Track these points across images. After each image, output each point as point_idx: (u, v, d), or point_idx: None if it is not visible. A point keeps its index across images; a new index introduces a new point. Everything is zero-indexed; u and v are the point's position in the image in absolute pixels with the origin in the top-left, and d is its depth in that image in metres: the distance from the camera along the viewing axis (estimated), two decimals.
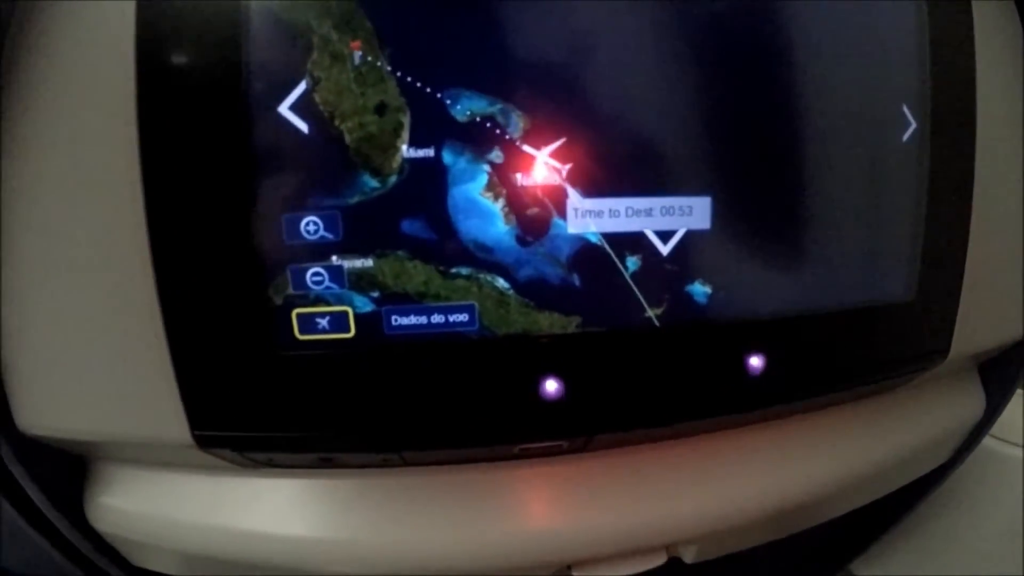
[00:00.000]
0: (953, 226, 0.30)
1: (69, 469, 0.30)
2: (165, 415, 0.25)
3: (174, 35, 0.22)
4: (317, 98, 0.23)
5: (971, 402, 0.37)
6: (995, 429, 0.39)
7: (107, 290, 0.24)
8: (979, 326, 0.31)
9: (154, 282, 0.23)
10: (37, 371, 0.25)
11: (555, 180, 0.24)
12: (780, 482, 0.30)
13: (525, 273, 0.24)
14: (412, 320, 0.24)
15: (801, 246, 0.27)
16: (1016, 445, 0.41)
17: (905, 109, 0.28)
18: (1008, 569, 0.41)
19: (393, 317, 0.24)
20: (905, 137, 0.28)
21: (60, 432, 0.26)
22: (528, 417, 0.25)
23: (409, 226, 0.24)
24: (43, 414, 0.26)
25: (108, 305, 0.24)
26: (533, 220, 0.24)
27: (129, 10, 0.22)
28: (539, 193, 0.24)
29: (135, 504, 0.30)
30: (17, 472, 0.27)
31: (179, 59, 0.22)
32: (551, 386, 0.25)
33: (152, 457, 0.28)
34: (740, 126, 0.25)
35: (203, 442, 0.25)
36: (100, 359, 0.25)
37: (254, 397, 0.24)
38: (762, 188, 0.26)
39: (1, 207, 0.24)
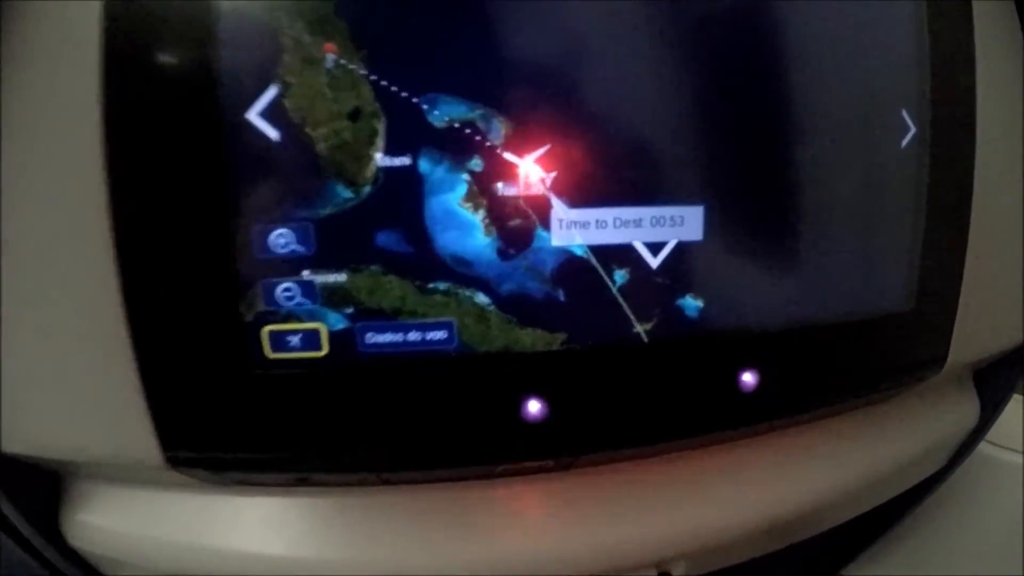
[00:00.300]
0: (952, 233, 0.29)
1: (45, 484, 0.29)
2: (136, 436, 0.24)
3: (140, 37, 0.21)
4: (288, 104, 0.21)
5: (966, 409, 0.36)
6: (992, 435, 0.38)
7: (74, 308, 0.23)
8: (977, 333, 0.31)
9: (121, 298, 0.22)
10: (7, 389, 0.24)
11: (539, 189, 0.23)
12: (771, 496, 0.30)
13: (507, 288, 0.23)
14: (388, 337, 0.23)
15: (797, 256, 0.26)
16: (1014, 451, 0.40)
17: (904, 114, 0.27)
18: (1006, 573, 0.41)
19: (368, 334, 0.23)
20: (904, 143, 0.27)
21: (31, 451, 0.25)
22: (510, 438, 0.24)
23: (384, 239, 0.22)
24: (14, 433, 0.25)
25: (76, 324, 0.23)
26: (515, 232, 0.23)
27: (94, 10, 0.20)
28: (522, 203, 0.23)
29: (111, 521, 0.29)
30: None
31: (145, 62, 0.21)
32: (534, 406, 0.24)
33: (127, 475, 0.28)
34: (734, 131, 0.24)
35: (175, 463, 0.24)
36: (69, 378, 0.24)
37: (225, 417, 0.23)
38: (757, 196, 0.25)
39: None
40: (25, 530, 0.28)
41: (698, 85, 0.24)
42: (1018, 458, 0.40)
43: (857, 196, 0.27)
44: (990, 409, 0.36)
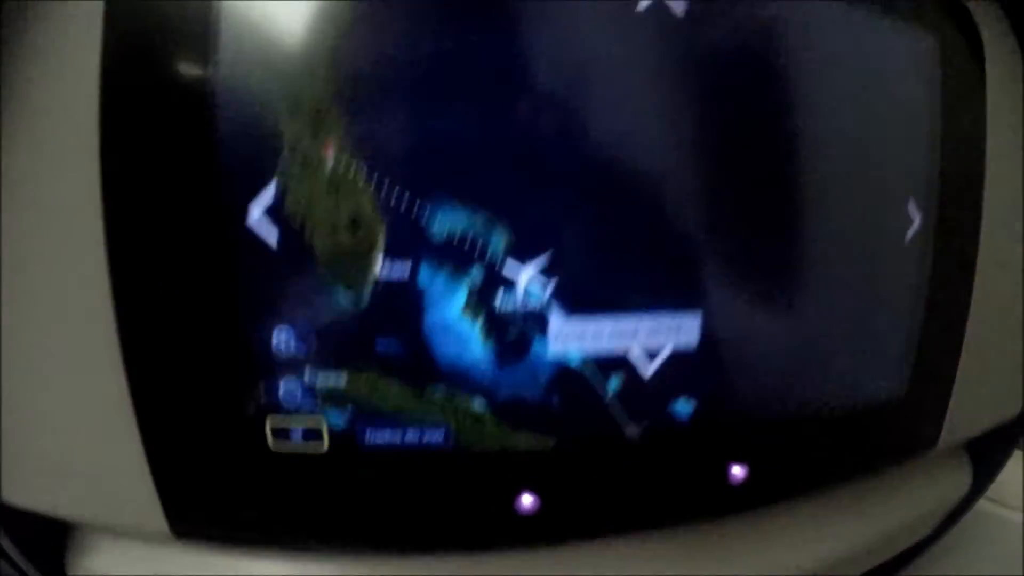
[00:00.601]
0: (951, 321, 0.29)
1: (51, 531, 0.31)
2: (141, 505, 0.25)
3: (139, 131, 0.21)
4: (287, 207, 0.21)
5: (958, 476, 0.36)
6: (993, 492, 0.38)
7: (83, 385, 0.24)
8: (971, 413, 0.31)
9: (126, 380, 0.23)
10: (19, 447, 0.25)
11: (537, 299, 0.23)
12: (757, 567, 0.30)
13: (502, 394, 0.24)
14: (386, 436, 0.24)
15: (792, 354, 0.26)
16: (1015, 509, 0.40)
17: (910, 206, 0.26)
18: None
19: (368, 432, 0.24)
20: (908, 236, 0.27)
21: (35, 506, 0.26)
22: (503, 530, 0.25)
23: (383, 344, 0.23)
24: (17, 485, 0.26)
25: (85, 398, 0.24)
26: (512, 342, 0.23)
27: (93, 91, 0.20)
28: (520, 313, 0.23)
29: (118, 571, 0.30)
30: None
31: (144, 158, 0.21)
32: (527, 500, 0.24)
33: (134, 532, 0.29)
34: (734, 240, 0.24)
35: (179, 534, 0.25)
36: (79, 446, 0.25)
37: (229, 496, 0.24)
38: (754, 301, 0.25)
39: None
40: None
41: (701, 195, 0.23)
42: (1019, 516, 0.40)
43: (857, 291, 0.27)
44: (984, 476, 0.36)
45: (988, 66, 0.29)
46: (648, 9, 0.22)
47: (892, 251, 0.26)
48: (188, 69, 0.20)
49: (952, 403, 0.30)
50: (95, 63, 0.20)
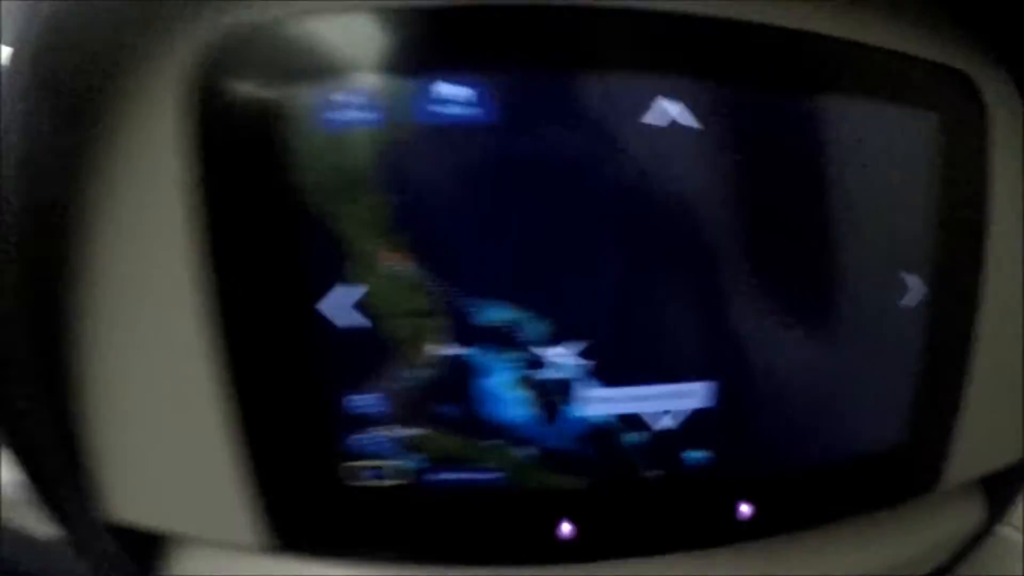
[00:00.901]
0: (951, 376, 0.31)
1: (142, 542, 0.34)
2: (241, 524, 0.30)
3: (238, 235, 0.26)
4: (367, 301, 0.26)
5: (970, 510, 0.38)
6: None
7: (196, 424, 0.29)
8: (975, 456, 0.33)
9: (241, 431, 0.28)
10: (121, 463, 0.30)
11: (573, 374, 0.28)
12: None
13: (545, 446, 0.29)
14: (451, 476, 0.29)
15: (799, 409, 0.30)
16: (1015, 528, 0.42)
17: (908, 275, 0.29)
18: None
19: (435, 473, 0.29)
20: (909, 302, 0.29)
21: (139, 523, 0.31)
22: (547, 552, 0.30)
23: (445, 409, 0.28)
24: (124, 504, 0.31)
25: (197, 435, 0.29)
26: (553, 407, 0.28)
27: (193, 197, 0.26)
28: (561, 386, 0.28)
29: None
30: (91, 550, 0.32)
31: (238, 254, 0.26)
32: (566, 528, 0.30)
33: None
34: (751, 320, 0.28)
35: (271, 549, 0.30)
36: (184, 467, 0.30)
37: (319, 520, 0.30)
38: (768, 366, 0.29)
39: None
40: None
41: (726, 283, 0.28)
42: (1019, 536, 0.42)
43: (862, 352, 0.30)
44: (998, 507, 0.37)
45: (992, 131, 0.30)
46: (670, 124, 0.26)
47: (892, 315, 0.29)
48: (281, 185, 0.25)
49: (954, 448, 0.32)
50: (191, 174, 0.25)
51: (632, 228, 0.26)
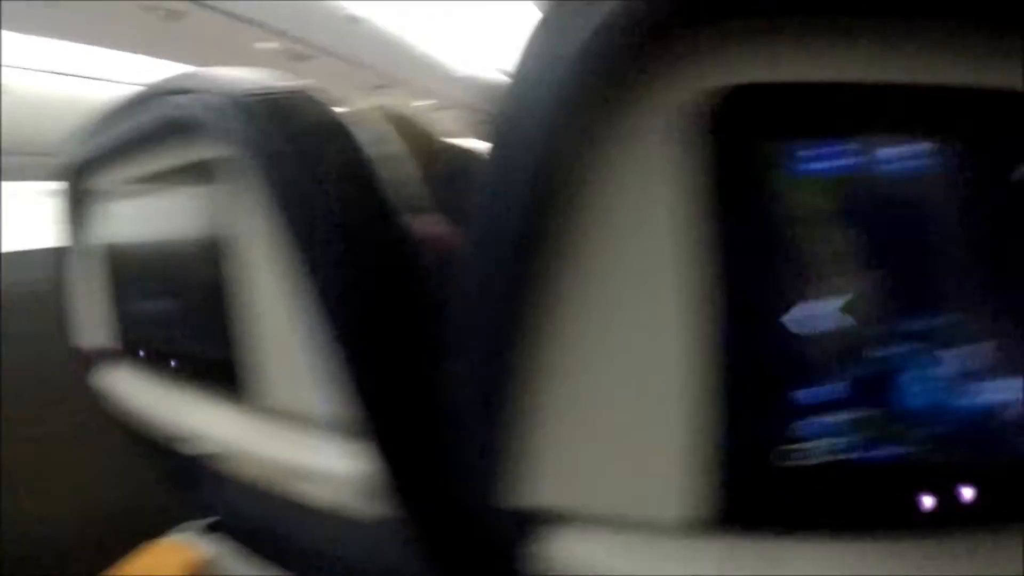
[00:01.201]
0: None
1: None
2: (676, 502, 0.37)
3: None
4: (819, 312, 0.34)
5: None
6: None
7: (655, 406, 0.35)
8: None
9: (695, 408, 0.35)
10: (553, 448, 0.36)
11: (961, 371, 0.35)
12: None
13: (937, 429, 0.36)
14: (866, 453, 0.36)
15: None
16: None
17: None
18: None
19: (859, 451, 0.36)
20: None
21: (551, 506, 0.37)
22: (950, 516, 0.36)
23: (874, 397, 0.35)
24: (555, 490, 0.37)
25: (653, 416, 0.35)
26: (958, 395, 0.35)
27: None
28: (952, 380, 0.35)
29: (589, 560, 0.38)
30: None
31: (725, 267, 0.34)
32: (967, 493, 0.36)
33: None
34: None
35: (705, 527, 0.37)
36: (628, 452, 0.36)
37: (753, 499, 0.37)
38: None
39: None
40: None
41: None
42: None
43: None
44: None
45: None
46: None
47: None
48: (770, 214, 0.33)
49: None
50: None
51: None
